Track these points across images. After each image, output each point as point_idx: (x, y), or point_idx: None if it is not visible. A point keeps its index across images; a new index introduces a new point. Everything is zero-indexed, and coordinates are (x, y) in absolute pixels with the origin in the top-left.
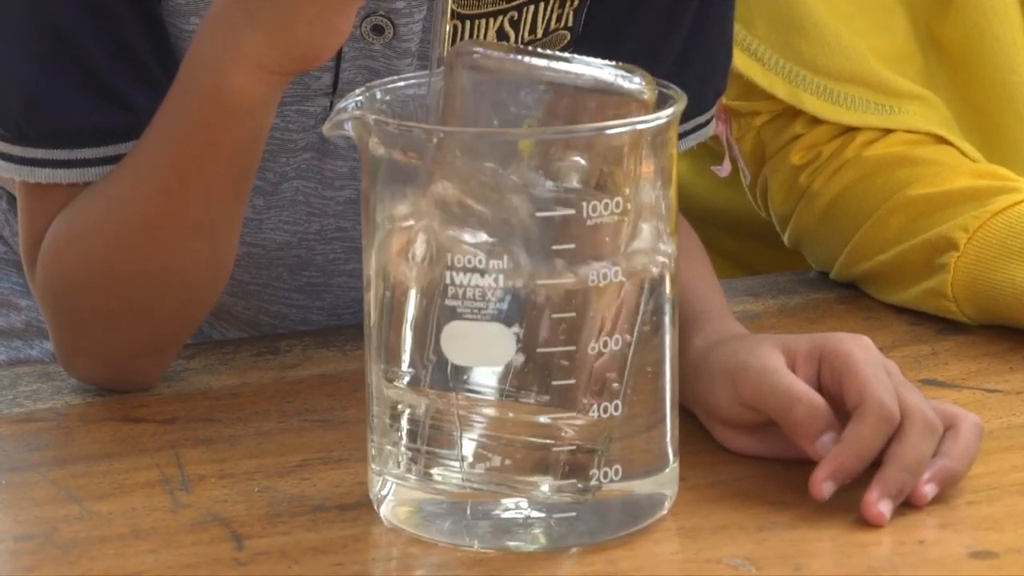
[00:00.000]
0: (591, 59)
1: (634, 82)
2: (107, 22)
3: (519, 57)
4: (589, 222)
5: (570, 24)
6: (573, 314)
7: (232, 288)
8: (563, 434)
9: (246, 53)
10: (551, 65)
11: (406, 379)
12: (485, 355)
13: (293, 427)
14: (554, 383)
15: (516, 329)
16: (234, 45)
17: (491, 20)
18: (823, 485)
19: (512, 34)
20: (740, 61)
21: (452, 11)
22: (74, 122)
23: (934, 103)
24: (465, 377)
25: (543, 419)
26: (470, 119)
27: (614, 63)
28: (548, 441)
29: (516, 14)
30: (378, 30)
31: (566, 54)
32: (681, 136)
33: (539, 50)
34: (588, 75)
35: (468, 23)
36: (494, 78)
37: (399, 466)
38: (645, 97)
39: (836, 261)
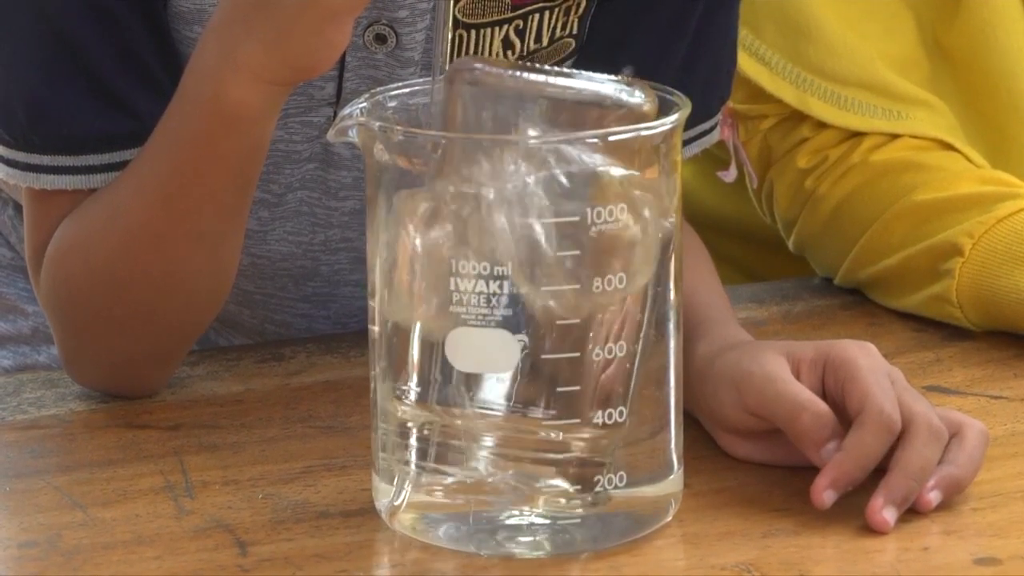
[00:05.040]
0: (591, 73)
1: (635, 96)
2: (112, 27)
3: (519, 73)
4: (593, 229)
5: (575, 32)
6: (578, 320)
7: (237, 297)
8: (571, 447)
9: (244, 63)
10: (551, 80)
11: (413, 395)
12: (490, 362)
13: (297, 433)
14: (559, 390)
15: (521, 336)
16: (232, 55)
17: (496, 29)
18: (824, 493)
19: (517, 43)
20: (747, 66)
21: (456, 20)
22: (79, 128)
23: (941, 109)
24: (472, 392)
25: (550, 433)
26: (472, 133)
27: (615, 77)
28: (556, 455)
29: (521, 23)
30: (381, 39)
31: (566, 69)
32: (686, 143)
33: (539, 65)
34: (589, 90)
35: (474, 32)
36: (494, 94)
37: (407, 482)
38: (645, 110)
39: (841, 266)
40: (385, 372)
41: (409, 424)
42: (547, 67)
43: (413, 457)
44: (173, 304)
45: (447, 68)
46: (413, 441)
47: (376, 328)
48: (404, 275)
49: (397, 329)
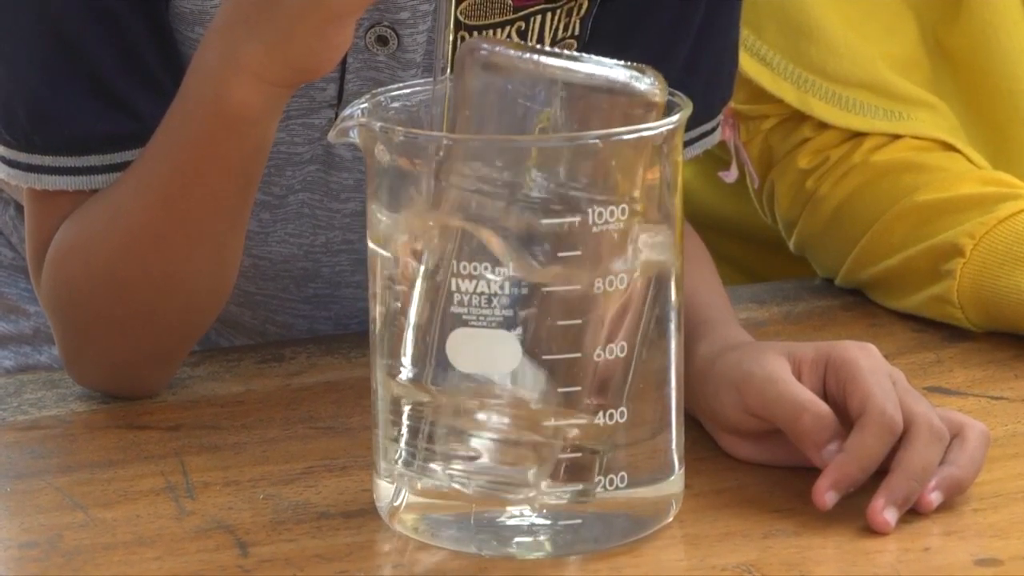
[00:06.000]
0: (602, 58)
1: (645, 82)
2: (113, 28)
3: (530, 55)
4: (595, 229)
5: (577, 33)
6: (579, 321)
7: (239, 298)
8: (566, 435)
9: (246, 65)
10: (562, 63)
11: (409, 375)
12: (490, 362)
13: (298, 434)
14: (559, 389)
15: (522, 336)
16: (234, 57)
17: (499, 30)
18: (826, 494)
19: None
20: (749, 66)
21: (458, 22)
22: (81, 129)
23: (942, 110)
24: (469, 376)
25: (546, 419)
26: (480, 117)
27: (625, 63)
28: (551, 441)
29: (523, 24)
30: (382, 41)
31: (577, 53)
32: (687, 144)
33: (549, 48)
34: (599, 74)
35: (476, 34)
36: (505, 75)
37: (399, 462)
38: (656, 97)
39: (842, 266)
40: (384, 369)
41: (403, 402)
42: (557, 50)
43: (404, 435)
44: (174, 305)
45: (450, 64)
46: (405, 419)
47: (376, 325)
48: (405, 274)
49: (397, 327)
